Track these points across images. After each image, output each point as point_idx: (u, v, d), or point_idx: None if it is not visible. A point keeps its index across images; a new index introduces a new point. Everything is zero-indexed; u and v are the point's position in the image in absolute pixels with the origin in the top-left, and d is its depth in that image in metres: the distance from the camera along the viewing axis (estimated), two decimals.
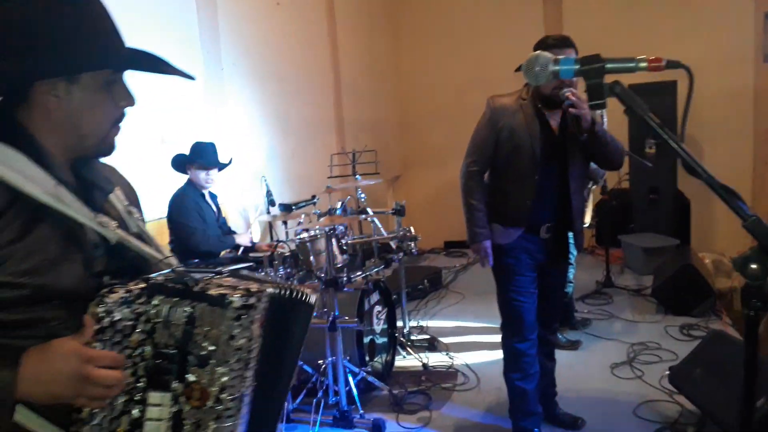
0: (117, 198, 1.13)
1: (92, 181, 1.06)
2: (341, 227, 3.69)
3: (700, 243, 6.58)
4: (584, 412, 3.25)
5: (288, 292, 1.06)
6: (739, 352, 3.00)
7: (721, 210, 7.87)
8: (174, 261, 1.11)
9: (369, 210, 4.36)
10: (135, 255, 1.06)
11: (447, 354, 4.21)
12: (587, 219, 2.89)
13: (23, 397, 0.88)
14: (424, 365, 4.00)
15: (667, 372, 3.63)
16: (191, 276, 0.98)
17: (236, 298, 0.95)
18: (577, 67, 0.97)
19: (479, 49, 7.85)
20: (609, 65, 0.95)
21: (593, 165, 2.99)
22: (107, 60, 0.99)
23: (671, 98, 6.30)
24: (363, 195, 4.37)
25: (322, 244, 3.42)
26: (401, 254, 4.08)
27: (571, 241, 3.92)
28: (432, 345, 4.38)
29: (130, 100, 1.05)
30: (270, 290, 0.99)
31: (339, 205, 4.11)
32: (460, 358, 4.13)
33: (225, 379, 0.95)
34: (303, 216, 4.16)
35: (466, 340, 4.50)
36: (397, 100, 8.37)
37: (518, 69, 4.40)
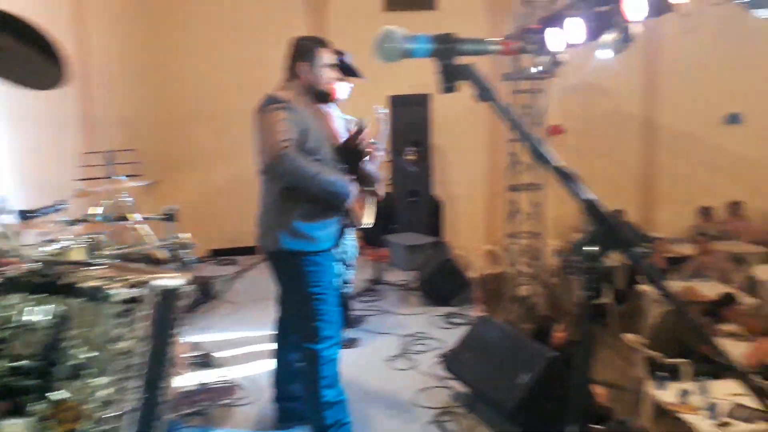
0: None
1: None
2: (102, 236, 3.21)
3: (449, 240, 7.33)
4: (367, 406, 3.33)
5: (175, 280, 0.80)
6: (503, 334, 3.36)
7: (463, 212, 8.90)
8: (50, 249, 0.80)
9: (138, 215, 3.86)
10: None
11: (223, 369, 3.93)
12: (371, 219, 2.94)
13: None
14: (200, 384, 3.68)
15: (437, 359, 3.93)
16: (61, 266, 0.71)
17: (115, 291, 0.70)
18: (431, 46, 0.92)
19: (243, 52, 7.63)
20: (462, 47, 0.91)
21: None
22: None
23: (425, 109, 6.93)
24: (131, 198, 3.86)
25: (78, 256, 2.93)
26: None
27: (354, 242, 4.01)
28: (206, 362, 4.05)
29: None
30: (158, 280, 0.74)
31: (99, 210, 3.57)
32: (239, 372, 3.90)
33: (105, 392, 0.72)
34: (51, 225, 3.51)
35: (243, 352, 4.28)
36: (156, 99, 7.68)
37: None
